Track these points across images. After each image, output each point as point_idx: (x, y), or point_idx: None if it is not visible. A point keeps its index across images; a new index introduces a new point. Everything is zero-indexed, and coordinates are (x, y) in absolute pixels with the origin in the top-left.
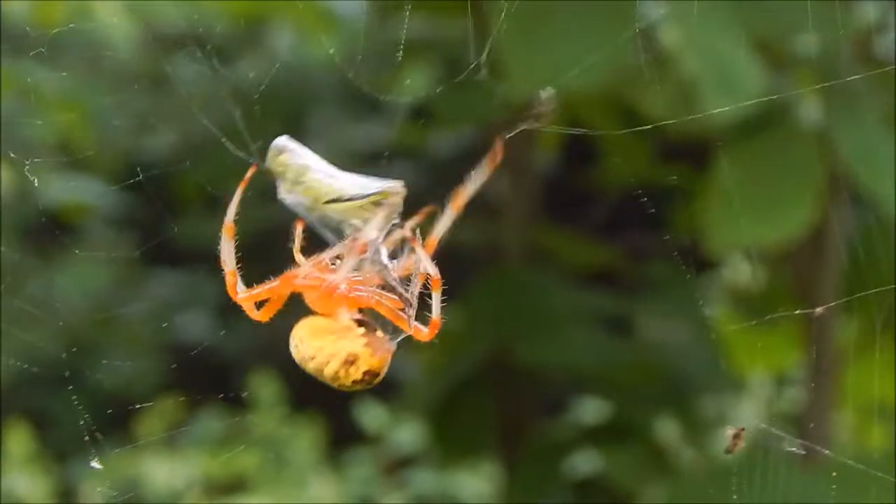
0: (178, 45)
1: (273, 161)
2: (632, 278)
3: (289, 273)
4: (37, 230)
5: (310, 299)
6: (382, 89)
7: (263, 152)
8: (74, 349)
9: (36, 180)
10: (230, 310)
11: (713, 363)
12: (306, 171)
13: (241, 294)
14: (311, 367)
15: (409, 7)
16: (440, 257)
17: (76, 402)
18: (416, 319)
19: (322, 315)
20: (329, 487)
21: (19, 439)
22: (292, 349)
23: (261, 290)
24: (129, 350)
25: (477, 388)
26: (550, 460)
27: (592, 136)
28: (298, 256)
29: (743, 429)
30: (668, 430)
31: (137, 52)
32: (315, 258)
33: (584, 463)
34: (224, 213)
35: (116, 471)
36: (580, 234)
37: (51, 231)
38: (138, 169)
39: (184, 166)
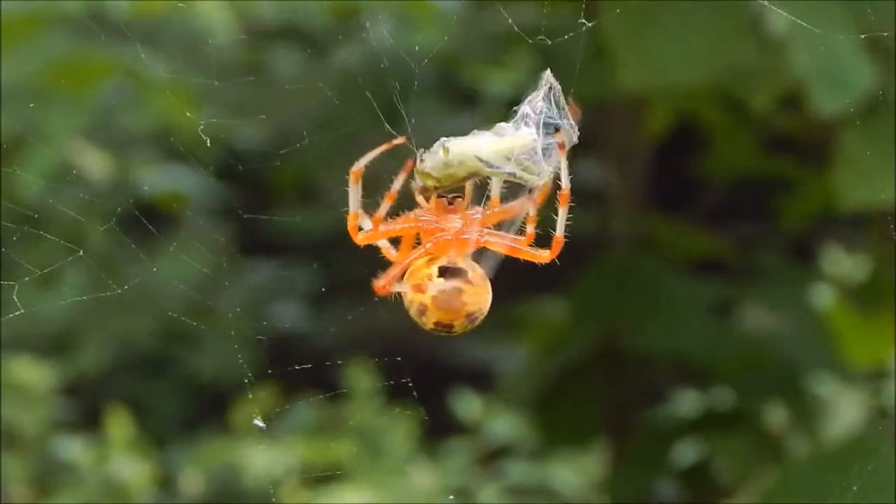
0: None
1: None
2: (739, 267)
3: (411, 215)
4: (134, 219)
5: (429, 240)
6: (481, 80)
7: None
8: (172, 337)
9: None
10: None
11: (820, 351)
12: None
13: (361, 236)
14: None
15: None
16: (550, 244)
17: (175, 389)
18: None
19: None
20: (425, 477)
21: (120, 424)
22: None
23: (382, 232)
24: (225, 338)
25: (584, 377)
26: (658, 449)
27: (700, 126)
28: (419, 198)
29: None
30: (776, 417)
31: (236, 42)
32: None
33: (690, 451)
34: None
35: (214, 458)
36: (688, 222)
37: (148, 220)
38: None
39: (280, 157)
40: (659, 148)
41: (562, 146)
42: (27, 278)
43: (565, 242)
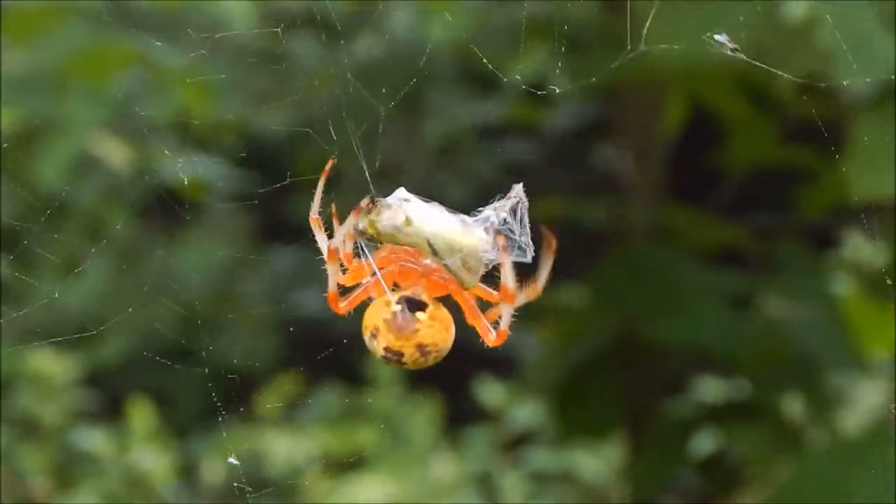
0: (296, 24)
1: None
2: (757, 258)
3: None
4: (156, 207)
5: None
6: (501, 66)
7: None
8: (194, 326)
9: (157, 158)
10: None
11: (838, 342)
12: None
13: (343, 305)
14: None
15: None
16: (567, 235)
17: (197, 378)
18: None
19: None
20: (447, 465)
21: (142, 415)
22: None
23: (358, 296)
24: (248, 326)
25: (603, 367)
26: (676, 439)
27: (718, 116)
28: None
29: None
30: (794, 408)
31: (255, 31)
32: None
33: (709, 442)
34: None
35: (237, 446)
36: (706, 213)
37: (170, 208)
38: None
39: (300, 144)
40: (677, 139)
41: (504, 249)
42: (49, 269)
43: (584, 233)
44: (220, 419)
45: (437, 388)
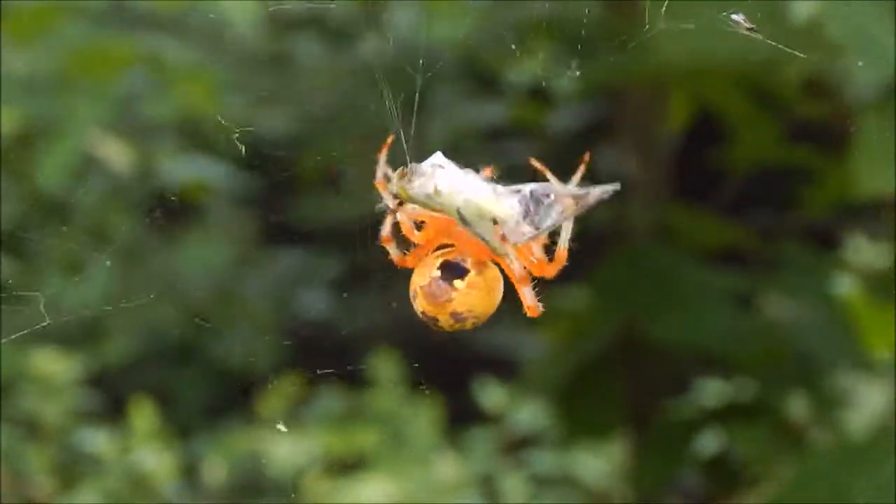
0: (299, 25)
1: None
2: (760, 257)
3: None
4: (158, 208)
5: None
6: (504, 67)
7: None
8: (195, 327)
9: (158, 158)
10: (350, 287)
11: (841, 342)
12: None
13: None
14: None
15: None
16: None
17: (198, 379)
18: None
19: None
20: (448, 467)
21: (143, 415)
22: None
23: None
24: (249, 327)
25: (605, 367)
26: (679, 439)
27: (721, 115)
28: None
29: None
30: (797, 408)
31: (258, 30)
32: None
33: (712, 442)
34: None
35: (238, 447)
36: (709, 212)
37: (172, 209)
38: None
39: (303, 145)
40: (679, 137)
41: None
42: (52, 269)
43: (585, 233)
44: (223, 417)
45: (438, 390)
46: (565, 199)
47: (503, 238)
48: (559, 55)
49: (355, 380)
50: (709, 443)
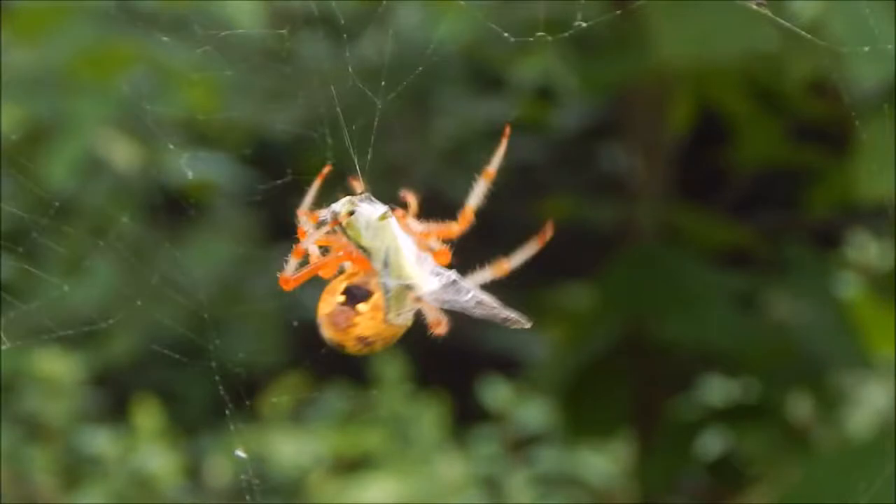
0: (303, 24)
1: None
2: (764, 257)
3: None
4: (163, 207)
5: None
6: (508, 66)
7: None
8: (200, 324)
9: (163, 157)
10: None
11: (845, 342)
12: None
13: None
14: None
15: None
16: (576, 234)
17: (204, 377)
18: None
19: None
20: (453, 465)
21: (148, 414)
22: None
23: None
24: (255, 325)
25: (610, 367)
26: (684, 439)
27: (726, 115)
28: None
29: None
30: (801, 408)
31: (262, 29)
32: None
33: (716, 442)
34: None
35: (244, 444)
36: (713, 213)
37: (177, 208)
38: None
39: (306, 144)
40: (684, 138)
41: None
42: (56, 267)
43: (591, 233)
44: (227, 417)
45: (444, 388)
46: (480, 297)
47: (416, 300)
48: (565, 55)
49: (361, 379)
50: (713, 442)
